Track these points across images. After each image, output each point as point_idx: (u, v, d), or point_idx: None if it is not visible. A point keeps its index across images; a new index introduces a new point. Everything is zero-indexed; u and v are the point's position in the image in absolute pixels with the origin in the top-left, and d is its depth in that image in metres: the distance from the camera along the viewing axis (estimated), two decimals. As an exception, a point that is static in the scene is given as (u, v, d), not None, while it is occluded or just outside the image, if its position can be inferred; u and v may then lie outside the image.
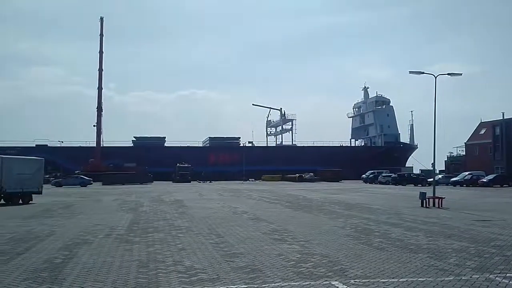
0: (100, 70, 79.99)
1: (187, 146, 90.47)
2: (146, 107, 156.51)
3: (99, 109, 78.58)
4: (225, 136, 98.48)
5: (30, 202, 25.32)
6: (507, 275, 7.76)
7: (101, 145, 78.62)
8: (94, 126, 78.30)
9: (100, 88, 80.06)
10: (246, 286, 6.97)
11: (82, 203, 26.05)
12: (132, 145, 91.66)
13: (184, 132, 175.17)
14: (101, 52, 79.89)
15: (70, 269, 8.25)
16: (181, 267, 8.35)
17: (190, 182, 68.12)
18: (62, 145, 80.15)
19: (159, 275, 7.70)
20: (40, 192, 26.90)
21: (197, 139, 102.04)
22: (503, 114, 69.02)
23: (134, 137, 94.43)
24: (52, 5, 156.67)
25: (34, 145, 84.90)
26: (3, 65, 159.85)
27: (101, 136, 78.28)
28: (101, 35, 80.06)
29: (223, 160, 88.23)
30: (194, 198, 29.75)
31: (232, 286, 6.95)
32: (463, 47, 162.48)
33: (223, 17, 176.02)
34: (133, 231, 13.54)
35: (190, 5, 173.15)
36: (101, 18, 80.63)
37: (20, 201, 24.88)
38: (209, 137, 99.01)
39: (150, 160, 76.64)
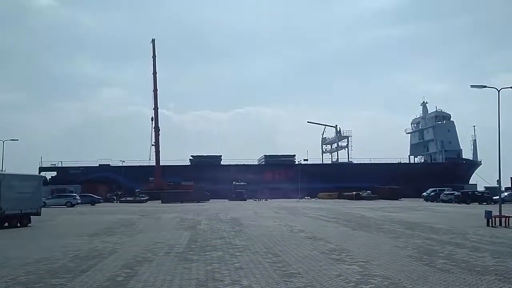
0: (155, 90, 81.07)
1: (243, 164, 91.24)
2: (203, 126, 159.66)
3: (156, 128, 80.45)
4: (280, 154, 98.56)
5: (29, 224, 23.22)
6: None
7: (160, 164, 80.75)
8: (152, 145, 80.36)
9: (156, 108, 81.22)
10: (305, 307, 6.86)
11: (143, 221, 26.79)
12: (189, 163, 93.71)
13: (240, 150, 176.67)
14: (154, 73, 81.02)
15: (132, 286, 8.46)
16: (239, 286, 8.37)
17: (246, 200, 68.46)
18: (124, 164, 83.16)
19: (218, 294, 7.75)
20: (39, 214, 24.26)
21: (252, 157, 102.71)
22: None
23: (191, 155, 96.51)
24: (114, 29, 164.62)
25: (98, 165, 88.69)
26: (71, 87, 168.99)
27: (159, 156, 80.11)
28: (154, 56, 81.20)
29: (278, 177, 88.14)
30: (250, 216, 29.84)
31: (290, 307, 6.86)
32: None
33: (275, 35, 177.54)
34: (191, 249, 13.74)
35: (242, 26, 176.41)
36: (153, 40, 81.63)
37: (18, 224, 22.70)
38: (265, 155, 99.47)
39: (207, 178, 77.80)
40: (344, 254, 12.38)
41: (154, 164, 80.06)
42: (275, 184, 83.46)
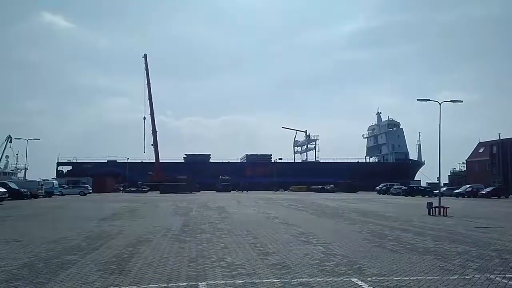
0: (150, 98, 79.90)
1: (228, 162, 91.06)
2: (195, 130, 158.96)
3: (154, 130, 79.54)
4: (260, 154, 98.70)
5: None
6: (506, 275, 7.38)
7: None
8: (152, 145, 79.55)
9: (152, 114, 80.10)
10: (278, 280, 6.88)
11: (143, 208, 26.53)
12: (183, 161, 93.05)
13: (226, 150, 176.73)
14: (148, 84, 79.84)
15: (134, 262, 8.39)
16: (223, 263, 8.35)
17: (230, 191, 68.29)
18: (128, 160, 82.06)
19: (206, 269, 7.73)
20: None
21: (236, 156, 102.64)
22: (499, 135, 66.96)
23: (185, 154, 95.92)
24: (121, 47, 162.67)
25: (106, 161, 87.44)
26: (86, 96, 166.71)
27: (158, 153, 79.36)
28: (146, 69, 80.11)
29: (257, 173, 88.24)
30: (233, 205, 29.79)
31: (266, 280, 6.89)
32: (464, 78, 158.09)
33: (258, 55, 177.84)
34: (184, 231, 13.66)
35: (230, 45, 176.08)
36: (145, 55, 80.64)
37: None
38: (246, 154, 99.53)
39: (198, 173, 77.44)
40: (311, 237, 12.45)
41: (154, 160, 79.30)
42: (254, 179, 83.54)
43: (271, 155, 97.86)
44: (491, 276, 7.36)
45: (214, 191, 68.01)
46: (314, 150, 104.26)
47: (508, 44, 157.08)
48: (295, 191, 75.17)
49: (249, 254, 9.33)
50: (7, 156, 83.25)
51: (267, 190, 73.76)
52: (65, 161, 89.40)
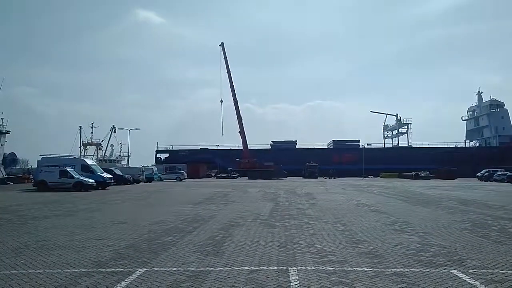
0: (232, 86, 79.17)
1: (315, 148, 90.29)
2: (281, 117, 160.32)
3: (239, 118, 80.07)
4: (347, 139, 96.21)
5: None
6: None
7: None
8: (239, 132, 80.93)
9: (235, 101, 79.60)
10: (370, 269, 6.70)
11: (234, 193, 27.58)
12: (270, 147, 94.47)
13: (312, 137, 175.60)
14: (229, 72, 78.90)
15: (227, 245, 8.78)
16: (313, 249, 8.36)
17: (317, 178, 67.80)
18: (219, 147, 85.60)
19: (296, 255, 7.80)
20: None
21: (323, 142, 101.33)
22: None
23: (271, 141, 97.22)
24: (207, 39, 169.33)
25: (199, 148, 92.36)
26: (177, 89, 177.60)
27: (246, 140, 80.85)
28: (225, 58, 79.00)
29: (345, 159, 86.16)
30: (321, 192, 29.55)
31: (358, 268, 6.74)
32: None
33: (342, 39, 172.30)
34: (273, 217, 13.92)
35: (314, 31, 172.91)
36: (222, 44, 79.68)
37: None
38: (333, 140, 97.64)
39: (284, 160, 78.01)
40: (405, 226, 11.84)
41: (241, 147, 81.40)
42: (342, 165, 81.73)
43: (359, 140, 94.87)
44: None
45: (301, 178, 68.07)
46: (406, 134, 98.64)
47: None
48: (386, 178, 71.96)
49: (339, 242, 9.20)
50: (112, 145, 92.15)
51: (355, 177, 71.78)
52: (163, 149, 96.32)
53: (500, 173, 55.57)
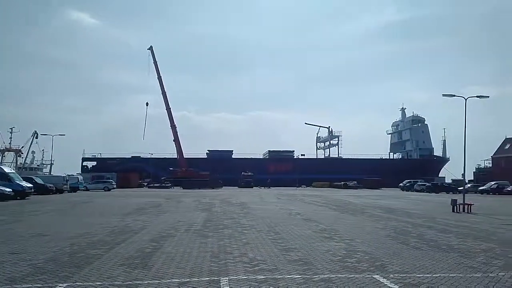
0: (164, 93, 75.53)
1: (251, 158, 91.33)
2: (219, 126, 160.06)
3: (173, 126, 76.34)
4: (282, 150, 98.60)
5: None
6: (536, 275, 7.17)
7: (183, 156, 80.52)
8: (173, 141, 78.47)
9: (168, 108, 75.85)
10: (300, 276, 6.89)
11: (167, 203, 26.92)
12: (206, 156, 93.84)
13: (249, 147, 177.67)
14: (159, 78, 75.12)
15: (157, 257, 8.53)
16: (245, 258, 8.41)
17: (252, 187, 68.49)
18: (152, 156, 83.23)
19: (228, 264, 7.79)
20: None
21: (259, 152, 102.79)
22: (528, 131, 64.51)
23: (207, 150, 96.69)
24: (145, 44, 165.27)
25: (130, 156, 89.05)
26: (111, 94, 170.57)
27: (181, 149, 79.03)
28: (155, 62, 75.00)
29: (280, 169, 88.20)
30: (256, 201, 29.88)
31: (288, 276, 6.90)
32: (491, 72, 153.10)
33: (283, 50, 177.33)
34: (207, 227, 13.80)
35: (252, 42, 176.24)
36: (151, 47, 75.62)
37: None
38: (269, 150, 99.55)
39: (220, 169, 77.90)
40: (333, 233, 12.38)
41: (176, 156, 79.67)
42: (277, 175, 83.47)
43: (294, 151, 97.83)
44: (518, 275, 7.15)
45: (237, 187, 68.32)
46: (337, 146, 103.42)
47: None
48: (318, 187, 74.75)
49: (271, 250, 9.35)
50: (33, 152, 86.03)
51: (289, 186, 73.60)
52: (90, 156, 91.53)
53: (420, 183, 60.24)
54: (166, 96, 76.39)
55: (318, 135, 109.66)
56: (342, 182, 71.38)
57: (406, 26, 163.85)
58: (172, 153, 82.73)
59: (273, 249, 9.48)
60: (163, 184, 68.12)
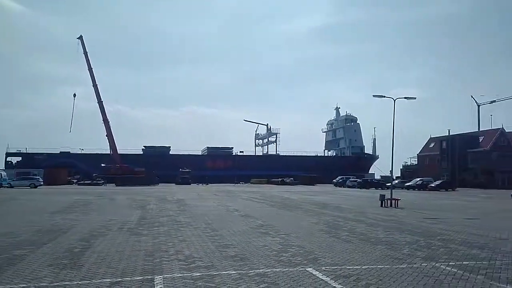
0: (95, 85, 71.04)
1: (189, 154, 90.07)
2: (156, 122, 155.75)
3: (105, 120, 72.99)
4: (221, 146, 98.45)
5: None
6: (450, 263, 7.87)
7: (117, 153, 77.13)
8: (106, 136, 74.77)
9: (100, 102, 71.28)
10: (235, 272, 6.96)
11: (98, 201, 25.74)
12: (141, 152, 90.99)
13: (187, 143, 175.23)
14: (90, 69, 70.73)
15: (87, 257, 8.17)
16: (181, 256, 8.32)
17: (190, 184, 67.67)
18: (82, 152, 78.94)
19: (163, 263, 7.66)
20: None
21: (197, 148, 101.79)
22: (448, 131, 70.98)
23: (143, 146, 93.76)
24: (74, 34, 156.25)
25: (59, 152, 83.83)
26: (39, 86, 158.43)
27: (115, 144, 75.60)
28: (85, 53, 70.48)
29: (218, 166, 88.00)
30: (193, 198, 29.59)
31: (224, 272, 6.94)
32: (419, 75, 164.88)
33: (222, 47, 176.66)
34: (141, 225, 13.43)
35: (192, 37, 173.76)
36: (80, 37, 70.93)
37: None
38: (207, 147, 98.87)
39: (157, 166, 75.96)
40: (270, 229, 12.64)
41: (109, 152, 76.14)
42: (215, 172, 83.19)
43: (232, 148, 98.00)
44: (436, 264, 7.81)
45: (174, 184, 67.09)
46: (275, 143, 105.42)
47: (460, 44, 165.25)
48: (256, 183, 75.64)
49: (208, 247, 9.33)
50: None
51: (228, 183, 73.74)
52: (15, 151, 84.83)
53: (352, 180, 63.30)
54: (97, 89, 72.16)
55: (257, 132, 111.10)
56: (280, 179, 72.85)
57: (338, 29, 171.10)
58: (105, 149, 79.07)
59: (210, 246, 9.46)
60: (95, 181, 64.94)
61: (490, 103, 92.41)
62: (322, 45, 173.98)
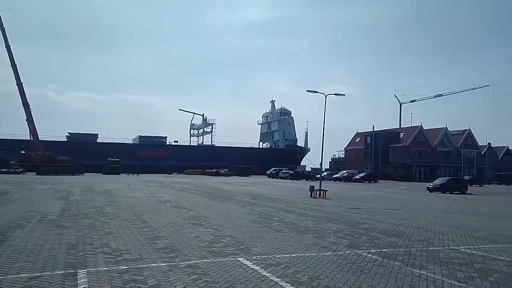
0: (14, 66, 65.68)
1: (119, 143, 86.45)
2: (83, 107, 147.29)
3: (25, 103, 66.36)
4: (153, 135, 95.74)
5: None
6: (371, 251, 8.40)
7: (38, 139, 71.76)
8: (26, 120, 69.13)
9: (19, 84, 65.99)
10: (165, 264, 6.82)
11: (17, 191, 23.81)
12: (66, 140, 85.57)
13: (118, 131, 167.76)
14: (8, 47, 64.92)
15: (2, 250, 7.53)
16: (107, 249, 7.98)
17: (119, 174, 65.11)
18: (-1, 137, 72.26)
19: (87, 256, 7.29)
20: None
21: (128, 137, 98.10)
22: (373, 127, 75.71)
23: (68, 132, 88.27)
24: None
25: (-31, 137, 76.14)
26: None
27: (36, 130, 70.15)
28: (2, 29, 64.19)
29: (151, 155, 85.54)
30: (122, 189, 28.50)
31: (153, 264, 6.78)
32: (350, 73, 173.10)
33: (159, 34, 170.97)
34: (64, 217, 12.65)
35: (130, 20, 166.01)
36: None
37: None
38: (139, 136, 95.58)
39: (83, 154, 72.00)
40: (202, 220, 12.57)
41: (30, 138, 70.67)
42: (148, 161, 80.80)
43: (166, 137, 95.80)
44: (359, 251, 8.30)
45: (102, 174, 64.10)
46: (210, 134, 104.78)
47: (387, 44, 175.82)
48: (189, 174, 74.78)
49: (136, 239, 9.05)
50: None
51: (161, 173, 72.05)
52: None
53: (285, 171, 65.13)
54: (16, 69, 66.29)
55: (192, 122, 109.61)
56: (214, 170, 72.77)
57: (277, 23, 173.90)
58: (24, 134, 73.24)
59: (139, 238, 9.19)
60: (13, 169, 59.98)
61: (410, 102, 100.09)
62: (260, 38, 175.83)
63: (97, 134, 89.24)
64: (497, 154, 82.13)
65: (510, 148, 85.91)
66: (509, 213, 18.29)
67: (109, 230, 10.18)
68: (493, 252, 8.65)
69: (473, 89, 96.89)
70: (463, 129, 78.16)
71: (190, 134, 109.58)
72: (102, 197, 20.71)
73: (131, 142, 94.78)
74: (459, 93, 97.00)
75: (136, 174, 66.28)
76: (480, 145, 77.72)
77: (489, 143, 79.34)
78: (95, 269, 6.36)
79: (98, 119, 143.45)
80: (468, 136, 76.41)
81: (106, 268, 6.43)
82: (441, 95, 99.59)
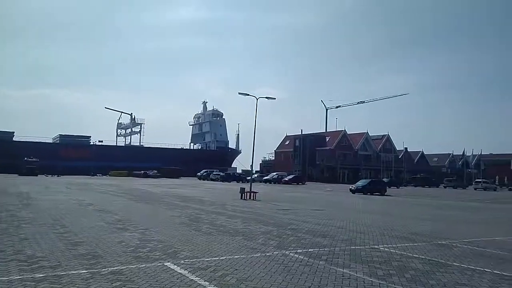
0: None
1: (37, 142, 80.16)
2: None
3: None
4: (76, 134, 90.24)
5: None
6: (298, 251, 8.68)
7: None
8: None
9: None
10: (86, 271, 6.45)
11: None
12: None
13: (36, 129, 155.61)
14: None
15: None
16: (22, 256, 7.35)
17: (37, 175, 60.44)
18: None
19: (-3, 265, 6.67)
20: None
21: (48, 136, 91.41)
22: (301, 130, 78.43)
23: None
24: None
25: None
26: None
27: None
28: None
29: (73, 155, 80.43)
30: (40, 191, 26.46)
31: (73, 271, 6.37)
32: (281, 77, 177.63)
33: (88, 25, 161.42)
34: (-29, 222, 11.45)
35: (52, 8, 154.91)
36: None
37: None
38: (60, 134, 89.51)
39: (-2, 154, 65.88)
40: (128, 224, 12.09)
41: None
42: (69, 162, 75.95)
43: (90, 136, 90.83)
44: (286, 252, 8.53)
45: (17, 175, 59.03)
46: (139, 134, 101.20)
47: (317, 51, 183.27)
48: (115, 176, 71.53)
49: (55, 245, 8.45)
50: None
51: (84, 175, 68.07)
52: None
53: (215, 173, 64.92)
54: None
55: (120, 121, 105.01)
56: (142, 171, 70.38)
57: (211, 24, 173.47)
58: None
59: (57, 244, 8.59)
60: None
61: (336, 107, 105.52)
62: (192, 38, 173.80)
63: (13, 132, 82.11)
64: (413, 158, 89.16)
65: (425, 153, 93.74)
66: (423, 213, 19.95)
67: (24, 236, 9.40)
68: (409, 250, 9.36)
69: (393, 97, 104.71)
70: (383, 134, 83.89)
71: (117, 134, 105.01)
72: (17, 200, 19.07)
73: (51, 141, 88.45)
74: (380, 100, 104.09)
75: (56, 176, 62.00)
76: (398, 149, 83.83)
77: (406, 148, 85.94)
78: (6, 278, 5.83)
79: (14, 116, 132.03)
80: (387, 141, 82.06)
81: (19, 277, 5.93)
82: (364, 102, 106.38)
